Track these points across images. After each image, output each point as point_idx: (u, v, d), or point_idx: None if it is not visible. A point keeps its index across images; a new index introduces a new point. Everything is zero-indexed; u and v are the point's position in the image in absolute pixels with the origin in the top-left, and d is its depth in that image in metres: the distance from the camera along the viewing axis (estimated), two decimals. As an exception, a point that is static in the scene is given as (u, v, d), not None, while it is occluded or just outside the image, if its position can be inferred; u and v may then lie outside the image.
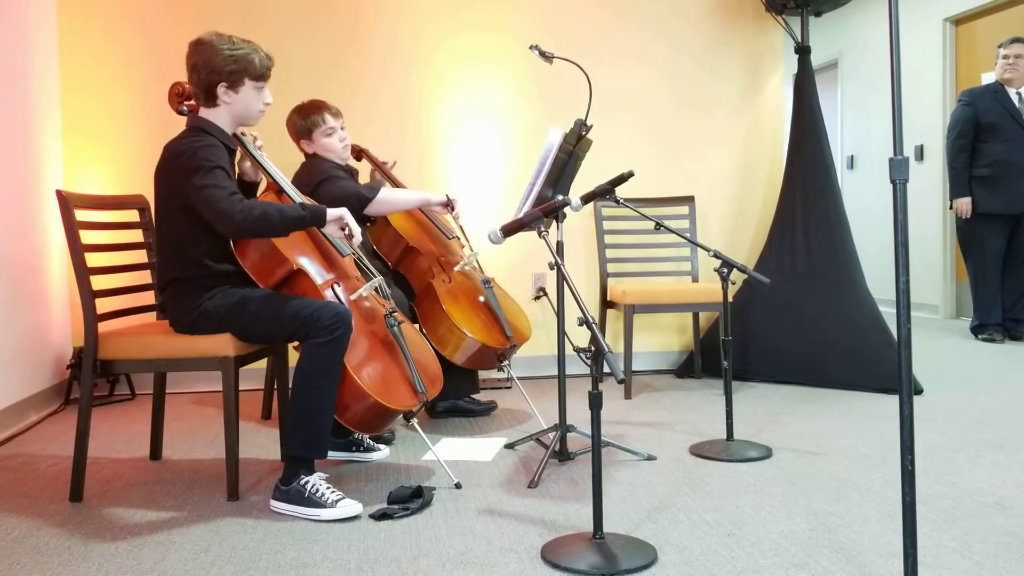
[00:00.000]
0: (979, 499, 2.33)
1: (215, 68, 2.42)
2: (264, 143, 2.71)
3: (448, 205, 3.22)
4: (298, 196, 2.62)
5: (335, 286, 2.55)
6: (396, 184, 3.49)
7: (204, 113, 2.50)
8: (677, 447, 2.95)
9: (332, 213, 2.42)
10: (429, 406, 3.49)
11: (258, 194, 2.72)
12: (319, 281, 2.52)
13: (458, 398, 3.48)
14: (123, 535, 2.18)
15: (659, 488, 2.49)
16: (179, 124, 2.58)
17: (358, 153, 3.51)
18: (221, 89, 2.44)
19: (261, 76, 2.48)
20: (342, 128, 3.22)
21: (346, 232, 2.47)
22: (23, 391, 3.43)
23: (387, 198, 3.07)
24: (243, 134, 2.60)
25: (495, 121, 4.35)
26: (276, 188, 2.63)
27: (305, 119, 3.19)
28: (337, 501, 2.28)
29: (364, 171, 3.55)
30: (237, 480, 2.46)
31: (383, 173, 3.51)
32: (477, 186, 4.32)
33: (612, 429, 3.23)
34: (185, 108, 2.58)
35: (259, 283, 2.51)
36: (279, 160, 2.77)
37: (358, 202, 3.00)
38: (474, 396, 3.56)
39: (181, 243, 2.44)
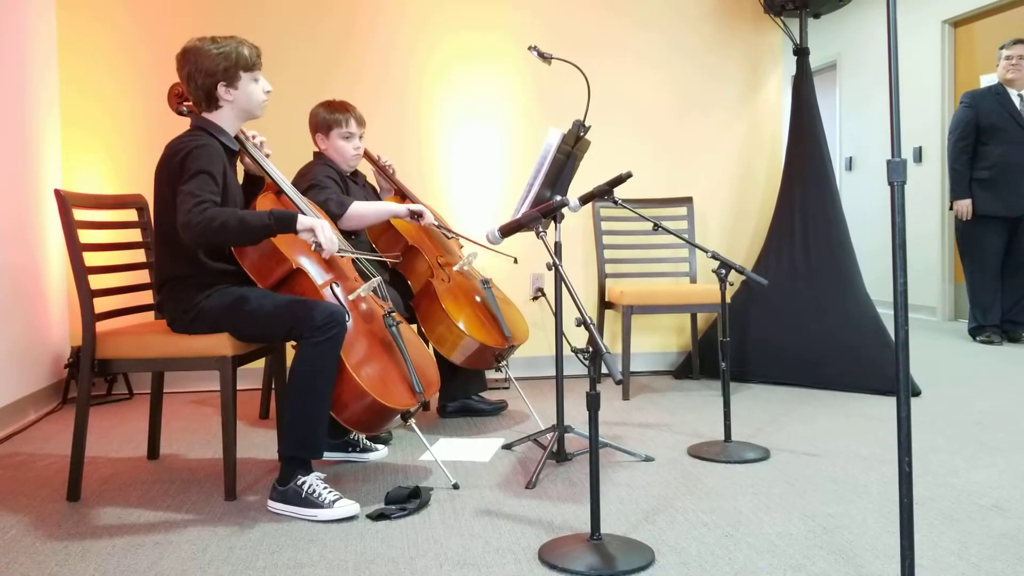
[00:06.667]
0: (976, 501, 2.33)
1: (209, 70, 2.42)
2: (268, 141, 2.71)
3: (416, 215, 3.20)
4: (298, 197, 2.62)
5: (334, 286, 2.55)
6: (398, 186, 3.49)
7: (207, 115, 2.50)
8: (675, 448, 2.95)
9: (303, 223, 2.33)
10: (439, 407, 3.50)
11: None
12: (319, 281, 2.51)
13: (467, 397, 3.49)
14: (120, 534, 2.18)
15: (657, 489, 2.49)
16: (178, 123, 2.58)
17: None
18: (221, 89, 2.45)
19: (254, 65, 2.48)
20: (360, 138, 3.23)
21: (313, 246, 2.37)
22: (21, 390, 3.43)
23: (356, 213, 3.07)
24: (247, 137, 2.60)
25: (494, 121, 4.35)
26: (275, 188, 2.63)
27: (330, 114, 3.19)
28: (334, 501, 2.28)
29: (367, 172, 3.54)
30: (235, 480, 2.46)
31: (383, 175, 3.50)
32: (475, 186, 4.33)
33: (610, 430, 3.23)
34: (185, 109, 2.58)
35: (258, 282, 2.50)
36: (282, 157, 2.77)
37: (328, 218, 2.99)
38: (484, 395, 3.57)
39: (178, 241, 2.43)
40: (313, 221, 2.36)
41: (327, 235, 2.36)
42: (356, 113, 3.23)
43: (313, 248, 2.39)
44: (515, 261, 3.56)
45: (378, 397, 2.39)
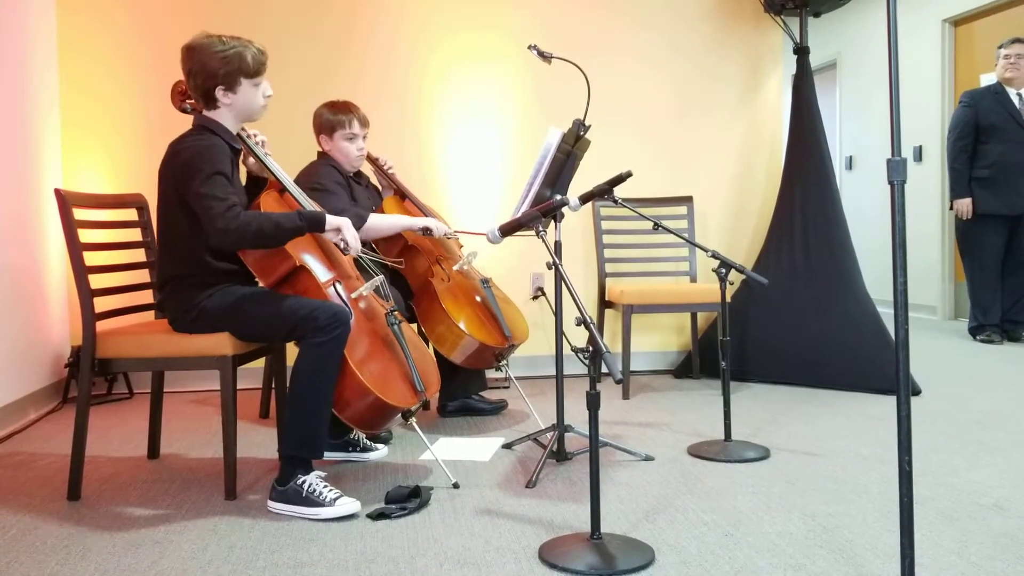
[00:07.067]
0: (977, 500, 2.33)
1: (210, 72, 2.41)
2: (268, 140, 2.70)
3: (426, 229, 3.21)
4: (301, 195, 2.62)
5: (336, 284, 2.55)
6: (397, 186, 3.49)
7: (208, 113, 2.50)
8: (675, 447, 2.95)
9: (331, 222, 2.42)
10: (439, 406, 3.51)
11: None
12: (322, 279, 2.52)
13: (467, 396, 3.49)
14: (121, 534, 2.18)
15: (657, 488, 2.49)
16: (178, 122, 2.58)
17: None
18: (219, 92, 2.44)
19: (256, 72, 2.47)
20: (364, 138, 3.23)
21: (342, 246, 2.47)
22: (21, 389, 3.43)
23: (372, 226, 3.09)
24: (248, 135, 2.60)
25: (494, 120, 4.35)
26: (279, 187, 2.64)
27: (334, 116, 3.19)
28: (335, 499, 2.28)
29: (368, 172, 3.54)
30: (235, 479, 2.46)
31: (385, 177, 3.50)
32: (476, 185, 4.33)
33: (610, 429, 3.23)
34: (188, 106, 2.58)
35: (261, 280, 2.50)
36: (282, 156, 2.77)
37: None
38: (484, 395, 3.57)
39: (182, 241, 2.44)
40: (340, 220, 2.44)
41: (352, 233, 2.46)
42: (359, 114, 3.22)
43: (341, 247, 2.46)
44: (541, 235, 3.53)
45: (381, 395, 2.39)
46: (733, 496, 2.41)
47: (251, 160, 2.65)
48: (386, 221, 3.16)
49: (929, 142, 6.39)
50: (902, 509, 1.57)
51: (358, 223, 3.02)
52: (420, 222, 3.19)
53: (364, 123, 3.23)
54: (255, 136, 2.63)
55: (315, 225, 2.40)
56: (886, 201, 6.14)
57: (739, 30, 4.51)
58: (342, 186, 3.15)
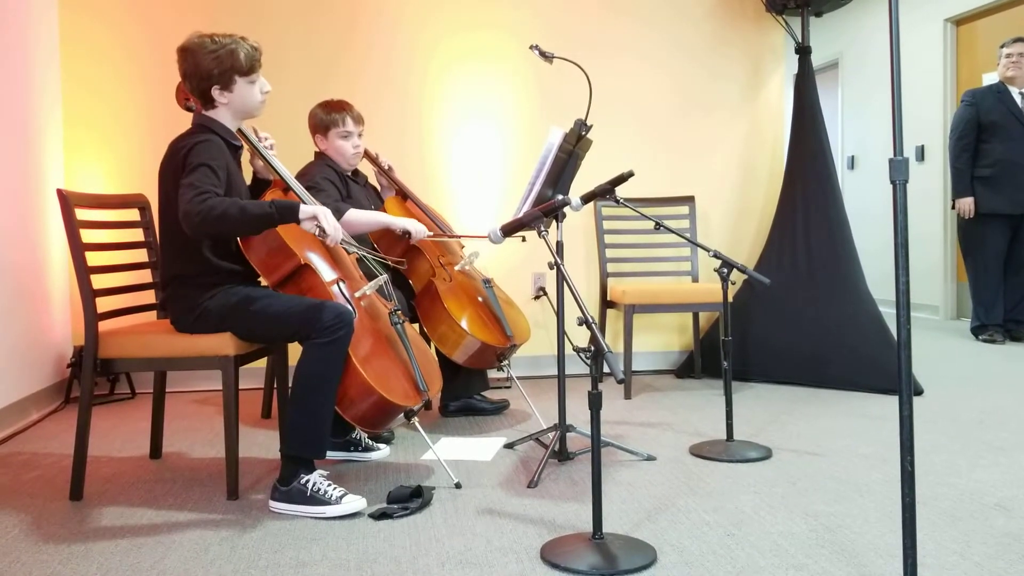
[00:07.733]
0: (979, 500, 2.33)
1: (204, 73, 2.41)
2: (275, 141, 2.71)
3: (406, 232, 3.19)
4: (305, 194, 2.62)
5: (340, 283, 2.55)
6: (399, 186, 3.49)
7: (208, 112, 2.50)
8: (677, 447, 2.95)
9: (306, 211, 2.33)
10: (441, 406, 3.51)
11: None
12: (326, 278, 2.51)
13: (469, 396, 3.49)
14: (123, 534, 2.19)
15: (659, 488, 2.49)
16: (180, 122, 2.58)
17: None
18: (215, 92, 2.44)
19: (250, 69, 2.45)
20: (359, 136, 3.22)
21: (317, 232, 2.37)
22: (23, 389, 3.43)
23: (348, 220, 3.05)
24: (259, 139, 2.60)
25: (495, 120, 4.35)
26: (283, 185, 2.64)
27: (327, 115, 3.19)
28: (341, 497, 2.28)
29: (368, 172, 3.55)
30: (237, 479, 2.46)
31: (385, 176, 3.51)
32: (477, 185, 4.33)
33: (612, 429, 3.23)
34: (192, 105, 2.59)
35: (265, 277, 2.50)
36: (283, 156, 2.77)
37: None
38: (486, 395, 3.57)
39: (184, 240, 2.43)
40: (316, 209, 2.36)
41: (331, 222, 2.36)
42: (353, 112, 3.22)
43: (318, 235, 2.38)
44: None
45: (384, 393, 2.39)
46: (735, 496, 2.41)
47: (258, 162, 2.66)
48: (364, 217, 3.13)
49: (931, 141, 6.38)
50: (904, 509, 1.57)
51: (336, 216, 3.01)
52: (401, 223, 3.17)
53: (358, 120, 3.23)
54: (265, 140, 2.63)
55: (288, 213, 2.31)
56: (888, 200, 6.13)
57: (741, 30, 4.51)
58: (333, 183, 3.14)
